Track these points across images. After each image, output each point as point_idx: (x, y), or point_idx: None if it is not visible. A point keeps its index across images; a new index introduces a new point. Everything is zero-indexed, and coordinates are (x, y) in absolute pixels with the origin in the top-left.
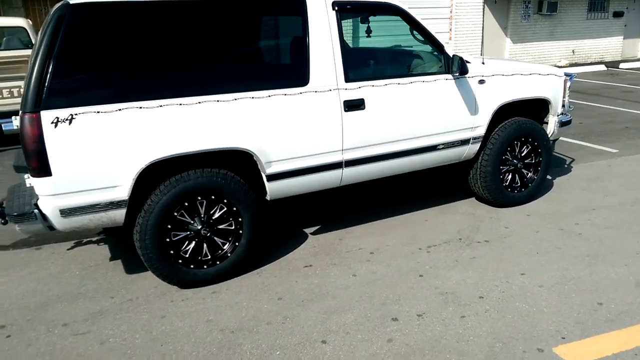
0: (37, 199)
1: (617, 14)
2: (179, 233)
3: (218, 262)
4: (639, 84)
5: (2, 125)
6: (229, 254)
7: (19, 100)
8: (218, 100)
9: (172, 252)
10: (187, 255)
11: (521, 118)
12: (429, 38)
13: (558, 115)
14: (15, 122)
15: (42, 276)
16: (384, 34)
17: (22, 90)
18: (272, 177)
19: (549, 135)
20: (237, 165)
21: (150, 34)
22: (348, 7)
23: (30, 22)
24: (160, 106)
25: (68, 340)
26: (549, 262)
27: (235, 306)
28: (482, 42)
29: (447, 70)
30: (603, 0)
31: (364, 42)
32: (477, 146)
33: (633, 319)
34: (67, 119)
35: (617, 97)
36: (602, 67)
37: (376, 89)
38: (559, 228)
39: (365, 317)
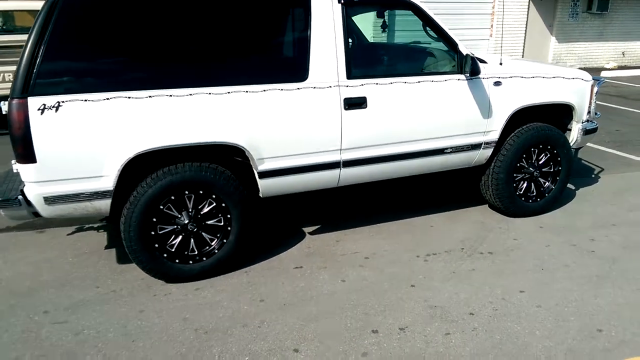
0: (24, 185)
1: None
2: (165, 227)
3: (205, 258)
4: None
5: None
6: (216, 251)
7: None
8: (210, 93)
9: (157, 245)
10: (172, 250)
11: (540, 124)
12: (442, 35)
13: (583, 123)
14: (4, 107)
15: (37, 260)
16: (408, 28)
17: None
18: (265, 174)
19: (571, 143)
20: (231, 160)
21: (142, 23)
22: (355, 0)
23: None
24: (150, 97)
25: (45, 328)
26: (553, 281)
27: (215, 305)
28: (525, 41)
29: (460, 70)
30: None
31: (380, 38)
32: (489, 151)
33: (634, 350)
34: (54, 106)
35: None
36: None
37: (380, 87)
38: (571, 243)
39: (344, 326)
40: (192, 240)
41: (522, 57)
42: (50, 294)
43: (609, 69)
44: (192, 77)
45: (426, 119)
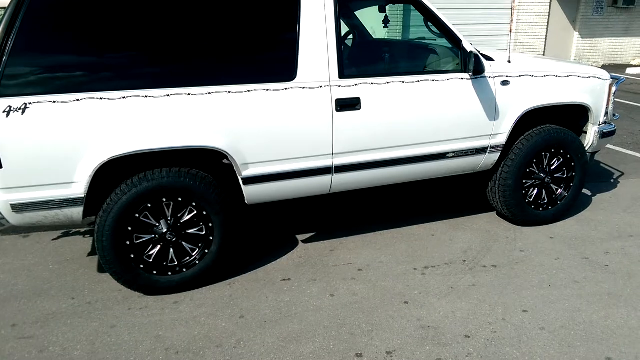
0: None
1: None
2: (142, 236)
3: (185, 270)
4: None
5: None
6: (197, 261)
7: None
8: (189, 94)
9: (132, 256)
10: (150, 260)
11: (552, 126)
12: (444, 31)
13: (599, 125)
14: None
15: (15, 267)
16: (421, 24)
17: None
18: (250, 180)
19: (586, 147)
20: (214, 166)
21: (114, 18)
22: None
23: None
24: (124, 98)
25: (9, 344)
26: (560, 299)
27: (191, 321)
28: (547, 36)
29: (464, 69)
30: None
31: (381, 34)
32: (495, 156)
33: None
34: (20, 108)
35: None
36: None
37: (375, 87)
38: (583, 256)
39: (326, 349)
40: (171, 250)
41: (544, 53)
42: (22, 305)
43: (635, 66)
44: (169, 76)
45: (426, 121)
